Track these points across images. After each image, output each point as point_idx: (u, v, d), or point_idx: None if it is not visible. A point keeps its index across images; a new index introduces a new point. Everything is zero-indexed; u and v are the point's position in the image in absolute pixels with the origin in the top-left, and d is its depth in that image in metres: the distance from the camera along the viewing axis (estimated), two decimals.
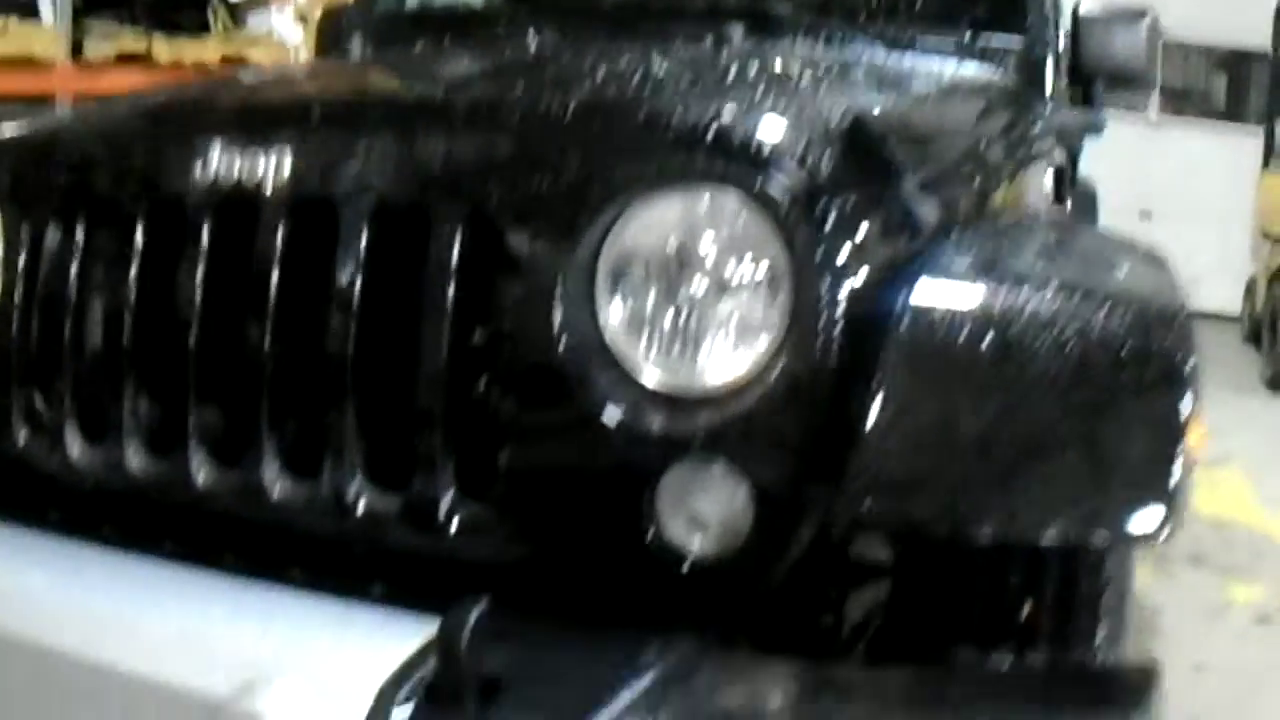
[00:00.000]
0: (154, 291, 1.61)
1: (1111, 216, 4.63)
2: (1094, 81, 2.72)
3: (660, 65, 1.95)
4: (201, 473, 1.56)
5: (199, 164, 1.58)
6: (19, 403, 1.67)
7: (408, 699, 1.27)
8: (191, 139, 1.62)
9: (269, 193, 1.54)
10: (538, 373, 1.42)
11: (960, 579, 1.50)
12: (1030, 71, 2.46)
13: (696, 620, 1.40)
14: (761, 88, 1.86)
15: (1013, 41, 2.46)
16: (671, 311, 1.41)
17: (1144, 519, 1.33)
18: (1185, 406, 1.36)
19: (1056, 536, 1.36)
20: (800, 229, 1.37)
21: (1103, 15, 2.67)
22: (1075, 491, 1.34)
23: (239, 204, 1.56)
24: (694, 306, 1.40)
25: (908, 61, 2.32)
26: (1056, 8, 2.60)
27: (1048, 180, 2.79)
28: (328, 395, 1.50)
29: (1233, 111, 10.44)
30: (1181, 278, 1.65)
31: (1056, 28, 2.57)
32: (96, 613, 1.47)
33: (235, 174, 1.56)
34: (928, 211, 1.55)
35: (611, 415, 1.39)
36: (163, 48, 5.74)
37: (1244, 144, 9.58)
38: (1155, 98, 9.87)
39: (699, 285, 1.40)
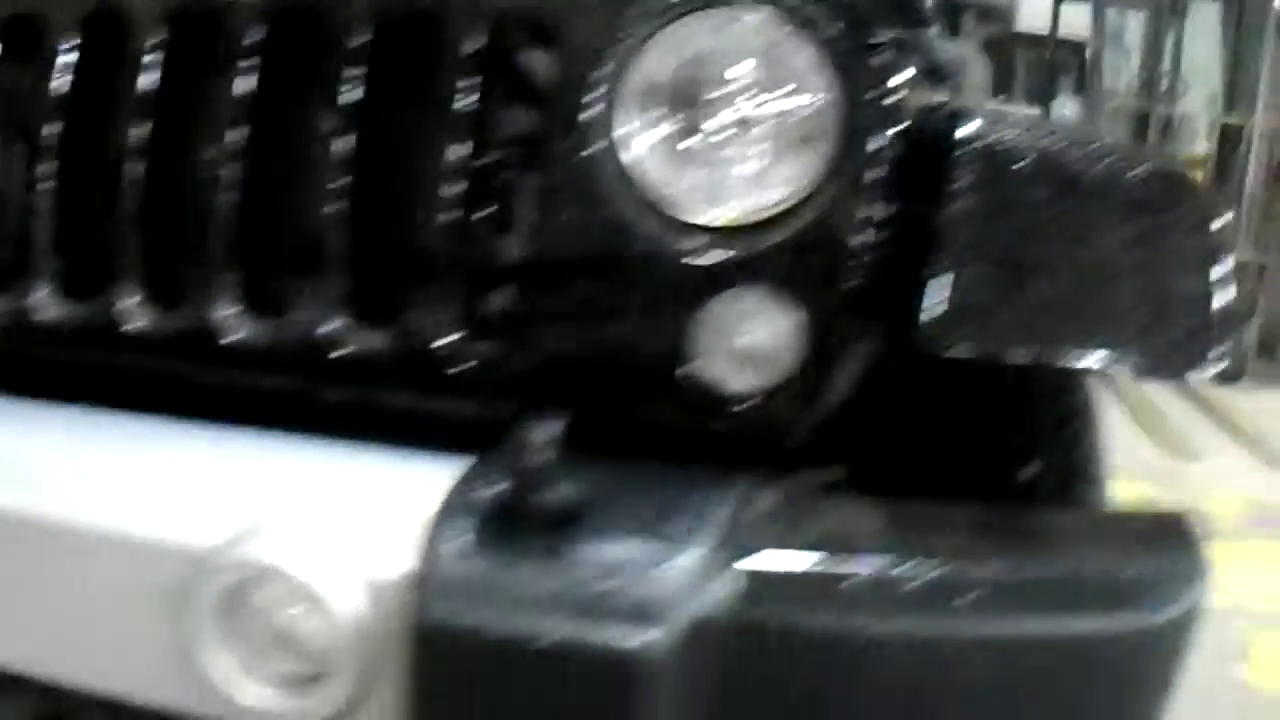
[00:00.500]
0: (87, 109, 1.50)
1: None
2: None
3: None
4: (136, 316, 1.49)
5: None
6: None
7: (458, 535, 1.23)
8: None
9: None
10: (562, 206, 1.37)
11: (994, 412, 1.53)
12: None
13: (741, 460, 1.37)
14: None
15: None
16: (708, 139, 1.35)
17: (1202, 355, 1.35)
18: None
19: (1126, 367, 1.36)
20: (843, 53, 1.33)
21: None
22: (1140, 322, 1.35)
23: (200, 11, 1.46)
24: (731, 134, 1.35)
25: None
26: None
27: None
28: (301, 224, 1.43)
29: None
30: None
31: None
32: (48, 470, 1.37)
33: None
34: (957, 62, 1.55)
35: (646, 248, 1.34)
36: None
37: None
38: None
39: (737, 111, 1.35)
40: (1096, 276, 1.36)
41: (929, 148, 1.37)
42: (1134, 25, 10.94)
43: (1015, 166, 1.35)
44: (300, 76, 1.45)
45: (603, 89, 1.37)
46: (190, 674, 1.29)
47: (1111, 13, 10.51)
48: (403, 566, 1.23)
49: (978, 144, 1.36)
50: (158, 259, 1.51)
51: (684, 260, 1.35)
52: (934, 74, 1.51)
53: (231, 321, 1.47)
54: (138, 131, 1.49)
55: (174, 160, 1.48)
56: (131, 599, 1.30)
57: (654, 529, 1.26)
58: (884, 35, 1.35)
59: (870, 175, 1.35)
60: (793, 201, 1.35)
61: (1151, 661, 1.36)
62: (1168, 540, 1.38)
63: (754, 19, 1.35)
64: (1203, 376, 1.37)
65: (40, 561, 1.34)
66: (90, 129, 1.50)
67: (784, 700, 1.26)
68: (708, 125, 1.36)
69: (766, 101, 1.36)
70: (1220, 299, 1.36)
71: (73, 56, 1.51)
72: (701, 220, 1.36)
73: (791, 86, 1.35)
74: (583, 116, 1.37)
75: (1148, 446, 5.98)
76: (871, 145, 1.34)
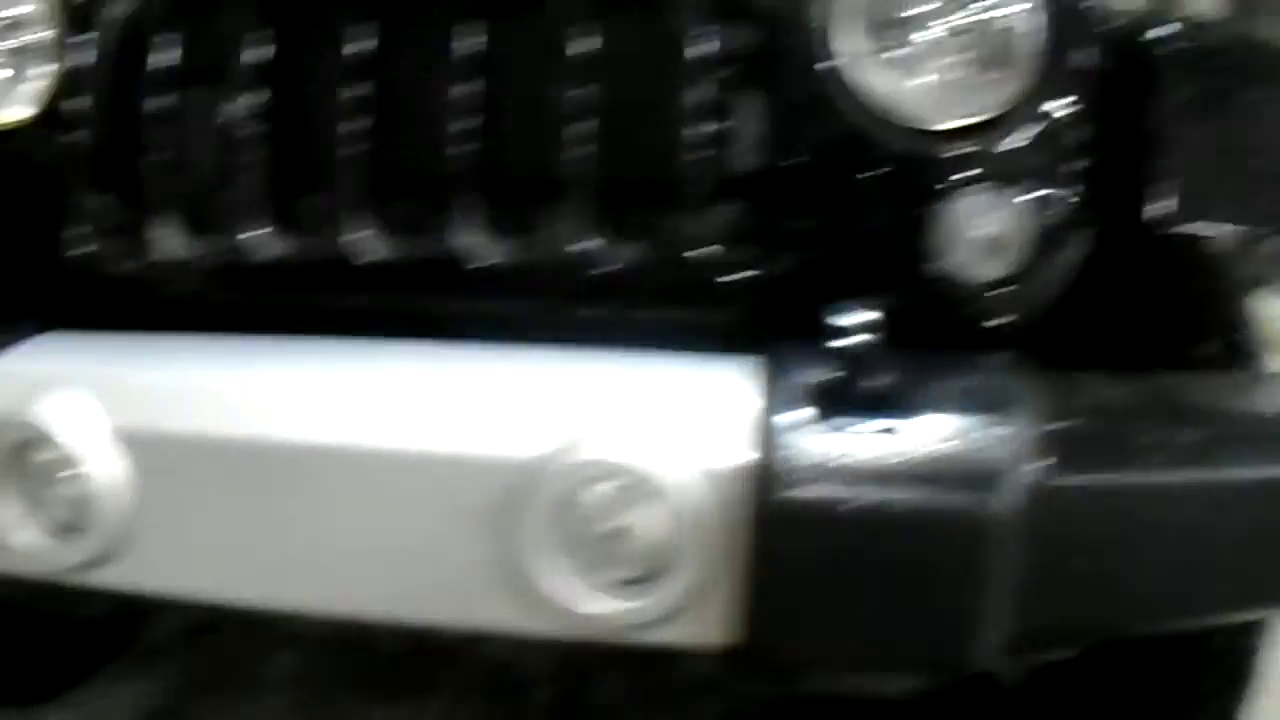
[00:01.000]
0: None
1: None
2: None
3: None
4: (372, 248, 1.50)
5: None
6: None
7: (797, 420, 1.27)
8: None
9: None
10: (799, 119, 1.44)
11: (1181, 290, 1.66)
12: None
13: (984, 347, 1.44)
14: None
15: None
16: (927, 50, 1.43)
17: None
18: None
19: None
20: None
21: None
22: None
23: None
24: (950, 42, 1.42)
25: None
26: None
27: None
28: (548, 149, 1.46)
29: None
30: None
31: None
32: (350, 399, 1.36)
33: None
34: None
35: (886, 154, 1.42)
36: None
37: None
38: None
39: (953, 21, 1.42)
40: None
41: (1135, 47, 1.48)
42: None
43: (1218, 60, 1.48)
44: None
45: (825, 5, 1.44)
46: (520, 590, 1.30)
47: None
48: (741, 454, 1.27)
49: (1182, 42, 1.48)
50: (392, 193, 1.51)
51: (919, 162, 1.43)
52: None
53: (481, 247, 1.48)
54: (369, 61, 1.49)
55: (415, 91, 1.49)
56: (454, 521, 1.30)
57: (972, 404, 1.31)
58: None
59: (1082, 75, 1.45)
60: (1012, 104, 1.43)
61: None
62: None
63: None
64: None
65: (356, 493, 1.32)
66: (322, 63, 1.51)
67: (1094, 518, 1.32)
68: (927, 36, 1.44)
69: (980, 11, 1.43)
70: None
71: None
72: (933, 125, 1.44)
73: None
74: (807, 34, 1.44)
75: None
76: (1082, 45, 1.44)
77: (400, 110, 1.51)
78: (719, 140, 1.47)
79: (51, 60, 1.63)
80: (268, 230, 1.54)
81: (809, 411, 1.28)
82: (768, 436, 1.26)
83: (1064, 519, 1.30)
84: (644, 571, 1.29)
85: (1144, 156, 1.46)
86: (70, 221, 1.60)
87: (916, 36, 1.44)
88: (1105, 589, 1.35)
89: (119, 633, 2.47)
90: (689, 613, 1.29)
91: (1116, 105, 1.47)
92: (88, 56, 1.61)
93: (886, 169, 1.44)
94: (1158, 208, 1.45)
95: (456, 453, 1.31)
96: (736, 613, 1.29)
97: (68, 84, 1.61)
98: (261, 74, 1.53)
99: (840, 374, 1.28)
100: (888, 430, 1.27)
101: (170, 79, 1.58)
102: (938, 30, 1.44)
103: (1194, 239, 1.54)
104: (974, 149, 1.43)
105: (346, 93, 1.50)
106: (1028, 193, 1.43)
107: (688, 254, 1.46)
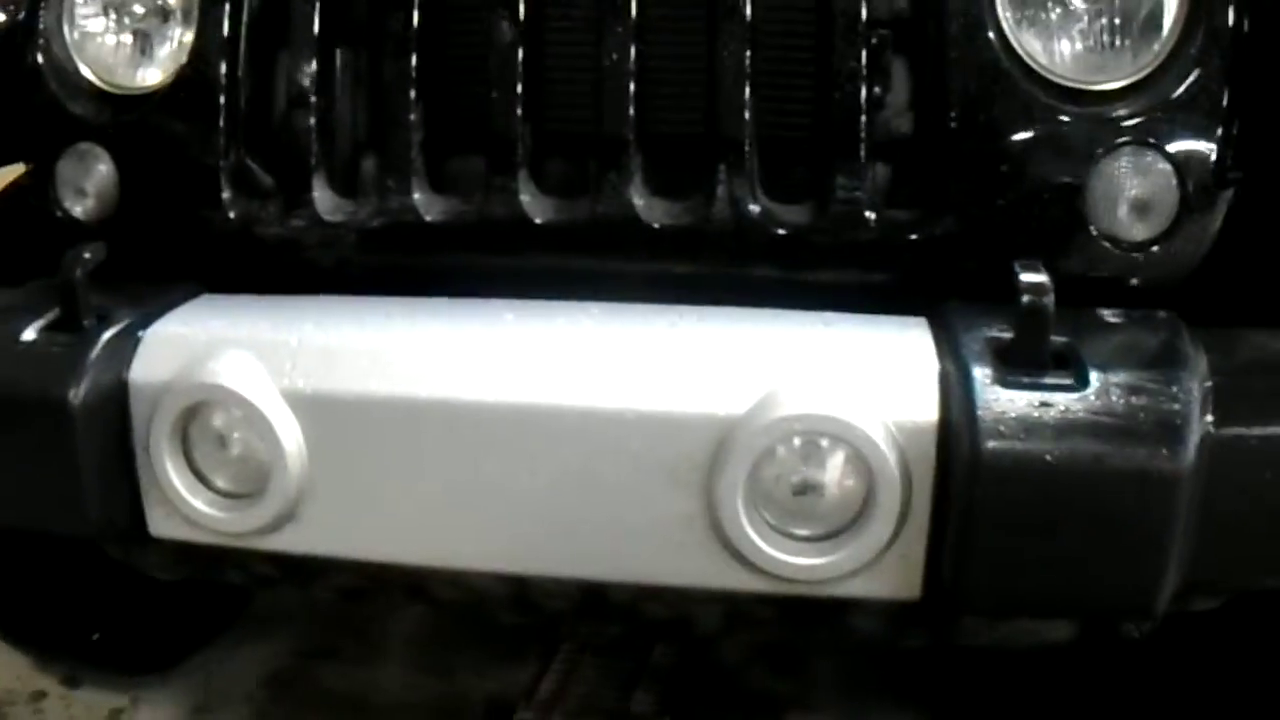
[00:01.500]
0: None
1: None
2: None
3: None
4: (535, 209, 1.49)
5: None
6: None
7: (988, 378, 1.27)
8: None
9: None
10: (958, 81, 1.44)
11: None
12: None
13: (1137, 304, 1.44)
14: None
15: None
16: (1079, 13, 1.44)
17: None
18: None
19: None
20: None
21: None
22: None
23: None
24: (1097, 6, 1.44)
25: None
26: None
27: None
28: (710, 111, 1.46)
29: None
30: None
31: None
32: (535, 358, 1.34)
33: None
34: None
35: (1042, 114, 1.43)
36: None
37: None
38: None
39: None
40: None
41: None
42: None
43: None
44: None
45: None
46: (718, 546, 1.30)
47: None
48: (933, 410, 1.27)
49: None
50: (554, 154, 1.51)
51: (1073, 123, 1.44)
52: None
53: (646, 209, 1.47)
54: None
55: (576, 51, 1.49)
56: (651, 478, 1.30)
57: (1146, 360, 1.32)
58: None
59: (1228, 35, 1.44)
60: (1160, 65, 1.44)
61: None
62: None
63: None
64: None
65: (547, 452, 1.32)
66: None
67: (1261, 469, 1.31)
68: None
69: None
70: None
71: None
72: (1085, 87, 1.45)
73: None
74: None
75: None
76: (1226, 6, 1.44)
77: (561, 71, 1.50)
78: (880, 102, 1.49)
79: (188, 25, 1.62)
80: (424, 193, 1.53)
81: (994, 368, 1.28)
82: (959, 392, 1.27)
83: (1234, 470, 1.30)
84: (837, 526, 1.29)
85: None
86: (218, 185, 1.59)
87: (1063, 1, 1.45)
88: (1270, 538, 1.35)
89: (234, 599, 2.48)
90: (882, 565, 1.29)
91: (1261, 65, 1.46)
92: (226, 20, 1.60)
93: (1041, 130, 1.44)
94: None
95: (654, 410, 1.30)
96: (928, 565, 1.30)
97: (206, 48, 1.60)
98: (413, 33, 1.51)
99: (1020, 331, 1.29)
100: (1072, 386, 1.27)
101: (315, 42, 1.57)
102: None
103: None
104: (1126, 110, 1.44)
105: (506, 54, 1.49)
106: (1179, 153, 1.44)
107: (850, 215, 1.46)
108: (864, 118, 1.45)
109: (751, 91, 1.46)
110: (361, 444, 1.38)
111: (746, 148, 1.47)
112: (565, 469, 1.32)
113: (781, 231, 1.47)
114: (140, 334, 1.46)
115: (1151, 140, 1.44)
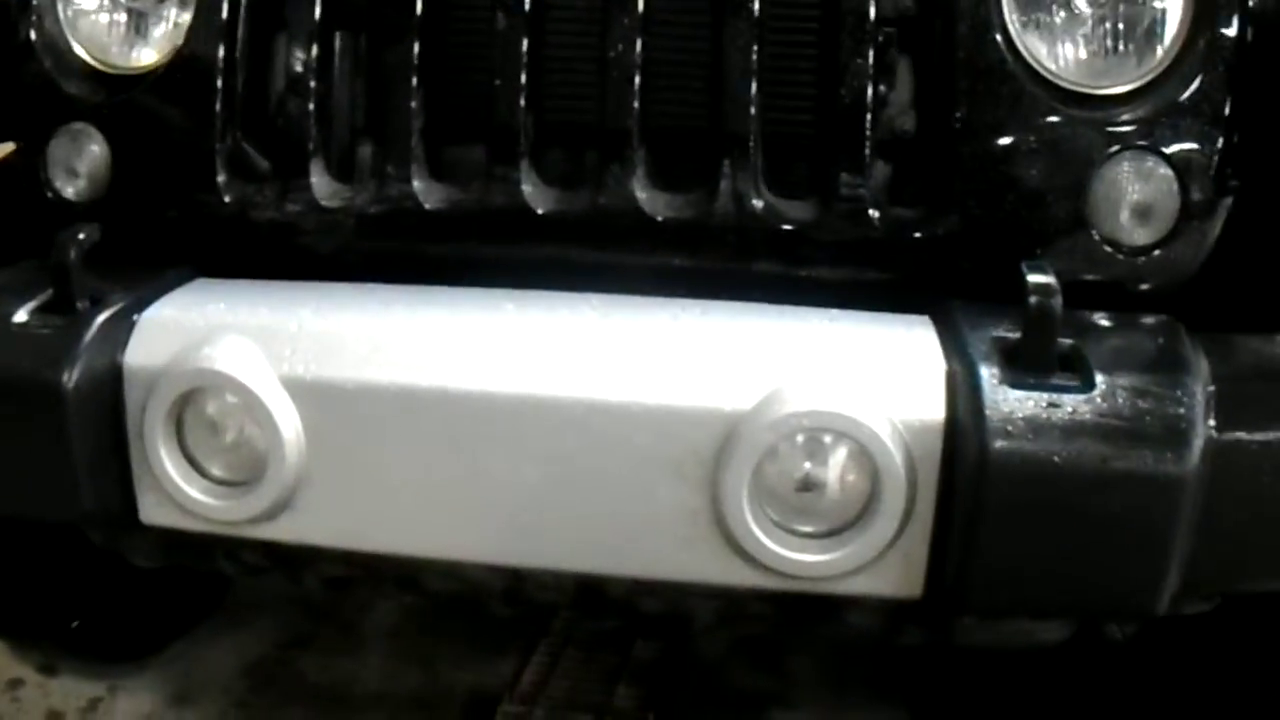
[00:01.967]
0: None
1: None
2: None
3: None
4: (537, 199, 1.48)
5: None
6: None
7: (994, 378, 1.27)
8: None
9: None
10: (962, 83, 1.44)
11: None
12: None
13: (1136, 309, 1.45)
14: None
15: None
16: (1084, 17, 1.45)
17: None
18: None
19: None
20: None
21: None
22: None
23: None
24: (1102, 12, 1.45)
25: None
26: None
27: None
28: (714, 106, 1.46)
29: None
30: None
31: None
32: (537, 348, 1.33)
33: None
34: None
35: (1046, 117, 1.43)
36: None
37: None
38: None
39: None
40: None
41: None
42: None
43: None
44: None
45: None
46: (721, 542, 1.29)
47: None
48: (939, 410, 1.27)
49: None
50: (556, 145, 1.49)
51: (1076, 127, 1.44)
52: None
53: (649, 201, 1.46)
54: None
55: (582, 41, 1.47)
56: (654, 472, 1.29)
57: (1149, 364, 1.32)
58: None
59: (1229, 43, 1.44)
60: (1162, 72, 1.45)
61: None
62: None
63: None
64: None
65: (549, 444, 1.31)
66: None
67: (1259, 473, 1.32)
68: (1081, 4, 1.46)
69: None
70: None
71: None
72: (1088, 91, 1.46)
73: None
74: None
75: None
76: (1227, 15, 1.44)
77: (565, 61, 1.49)
78: (885, 100, 1.48)
79: (185, 5, 1.60)
80: (424, 180, 1.52)
81: (1002, 368, 1.28)
82: (967, 391, 1.27)
83: (1234, 473, 1.30)
84: (841, 523, 1.29)
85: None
86: (213, 169, 1.57)
87: (1072, 5, 1.46)
88: (1266, 541, 1.36)
89: (214, 588, 2.46)
90: (884, 563, 1.29)
91: (1262, 73, 1.47)
92: (224, 1, 1.58)
93: (1044, 133, 1.45)
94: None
95: (660, 404, 1.29)
96: (930, 564, 1.29)
97: (203, 29, 1.58)
98: (415, 19, 1.50)
99: (1028, 332, 1.29)
100: (1079, 388, 1.27)
101: (315, 25, 1.55)
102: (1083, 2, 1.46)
103: None
104: (1129, 115, 1.45)
105: (510, 43, 1.47)
106: (1180, 159, 1.45)
107: (853, 212, 1.46)
108: (869, 115, 1.45)
109: (757, 87, 1.46)
110: (361, 432, 1.36)
111: (751, 142, 1.46)
112: (567, 461, 1.30)
113: (784, 227, 1.46)
114: (135, 317, 1.43)
115: (1153, 145, 1.45)
